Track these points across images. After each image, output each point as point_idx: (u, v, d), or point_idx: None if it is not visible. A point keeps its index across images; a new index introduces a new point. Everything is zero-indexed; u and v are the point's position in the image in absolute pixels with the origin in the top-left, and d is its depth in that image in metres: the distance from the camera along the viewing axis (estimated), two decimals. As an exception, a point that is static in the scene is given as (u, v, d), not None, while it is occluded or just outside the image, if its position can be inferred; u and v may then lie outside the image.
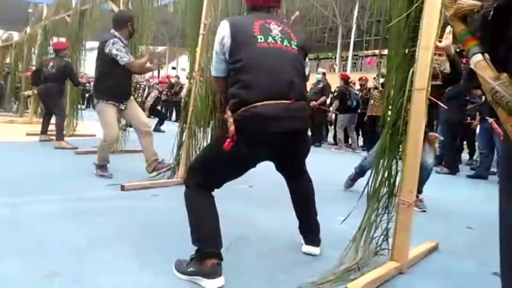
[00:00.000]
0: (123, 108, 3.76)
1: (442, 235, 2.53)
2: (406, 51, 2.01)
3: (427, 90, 1.90)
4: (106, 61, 3.57)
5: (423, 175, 3.36)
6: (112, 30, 3.68)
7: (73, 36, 6.34)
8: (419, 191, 3.40)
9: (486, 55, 1.00)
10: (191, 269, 1.71)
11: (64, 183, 3.33)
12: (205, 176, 1.78)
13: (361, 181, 3.53)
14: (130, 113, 3.85)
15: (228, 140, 1.60)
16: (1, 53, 11.85)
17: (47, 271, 1.69)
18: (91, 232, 2.22)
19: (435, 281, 1.96)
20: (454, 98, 5.50)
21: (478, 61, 1.00)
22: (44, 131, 5.77)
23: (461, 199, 4.08)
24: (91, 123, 5.44)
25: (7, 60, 11.60)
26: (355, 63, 24.05)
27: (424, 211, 3.31)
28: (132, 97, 3.96)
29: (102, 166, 3.76)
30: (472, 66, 1.01)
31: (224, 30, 1.76)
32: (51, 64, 5.50)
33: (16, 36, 11.41)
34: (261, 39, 1.72)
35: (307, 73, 1.97)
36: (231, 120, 1.63)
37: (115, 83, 3.61)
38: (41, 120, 6.12)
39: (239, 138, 1.62)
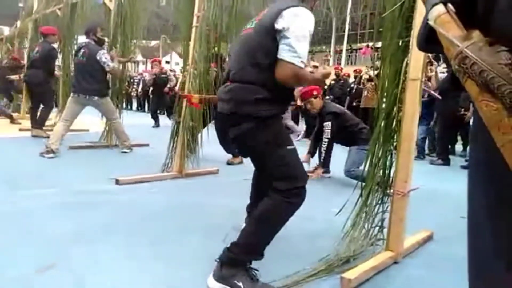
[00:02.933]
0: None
1: (436, 225, 2.55)
2: (400, 42, 2.01)
3: (421, 80, 1.91)
4: (100, 66, 4.47)
5: None
6: (85, 38, 4.65)
7: (65, 29, 6.25)
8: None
9: (451, 6, 0.71)
10: None
11: (58, 178, 3.32)
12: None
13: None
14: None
15: None
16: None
17: (39, 265, 1.69)
18: (84, 225, 2.22)
19: (430, 270, 1.98)
20: (447, 89, 5.50)
21: (440, 15, 0.71)
22: (34, 125, 5.72)
23: (455, 190, 4.08)
24: (84, 118, 5.39)
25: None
26: (349, 56, 24.01)
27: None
28: None
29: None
30: (430, 22, 0.72)
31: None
32: (36, 49, 5.43)
33: (6, 30, 11.28)
34: (245, 27, 1.78)
35: (281, 52, 1.55)
36: None
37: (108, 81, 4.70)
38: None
39: None
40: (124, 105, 6.66)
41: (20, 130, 6.12)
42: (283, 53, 1.53)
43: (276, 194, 1.62)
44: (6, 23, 14.67)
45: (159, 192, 3.11)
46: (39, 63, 5.33)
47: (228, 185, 3.50)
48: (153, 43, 33.40)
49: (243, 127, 1.63)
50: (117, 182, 3.21)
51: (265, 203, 1.64)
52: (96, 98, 4.48)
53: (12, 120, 7.09)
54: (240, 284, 1.57)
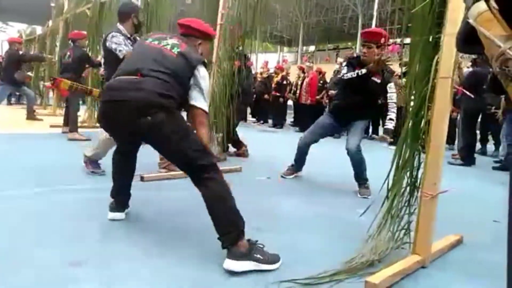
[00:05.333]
0: None
1: (467, 229, 2.45)
2: (431, 38, 1.94)
3: (453, 79, 1.83)
4: (109, 55, 3.43)
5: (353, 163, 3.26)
6: (118, 24, 3.55)
7: (93, 28, 6.41)
8: (365, 178, 3.24)
9: (493, 3, 0.64)
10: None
11: (85, 174, 3.39)
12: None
13: (381, 173, 3.47)
14: None
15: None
16: (25, 47, 12.12)
17: (71, 259, 1.74)
18: (108, 222, 2.27)
19: (459, 275, 1.91)
20: (471, 85, 5.24)
21: (481, 13, 0.65)
22: (66, 123, 5.87)
23: (486, 192, 3.95)
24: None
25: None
26: (376, 52, 23.49)
27: (365, 197, 3.05)
28: None
29: (96, 162, 3.50)
30: (470, 21, 0.67)
31: None
32: (68, 54, 5.59)
33: (39, 30, 11.67)
34: (149, 41, 2.07)
35: (199, 100, 1.99)
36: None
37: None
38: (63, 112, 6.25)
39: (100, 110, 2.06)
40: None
41: (51, 126, 6.32)
42: (201, 103, 1.99)
43: (206, 172, 1.87)
44: (38, 22, 15.19)
45: (183, 189, 3.12)
46: (71, 67, 5.48)
47: (251, 183, 3.49)
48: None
49: (159, 116, 1.82)
50: (142, 178, 3.26)
51: (209, 188, 1.85)
52: None
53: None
54: (258, 256, 1.80)
